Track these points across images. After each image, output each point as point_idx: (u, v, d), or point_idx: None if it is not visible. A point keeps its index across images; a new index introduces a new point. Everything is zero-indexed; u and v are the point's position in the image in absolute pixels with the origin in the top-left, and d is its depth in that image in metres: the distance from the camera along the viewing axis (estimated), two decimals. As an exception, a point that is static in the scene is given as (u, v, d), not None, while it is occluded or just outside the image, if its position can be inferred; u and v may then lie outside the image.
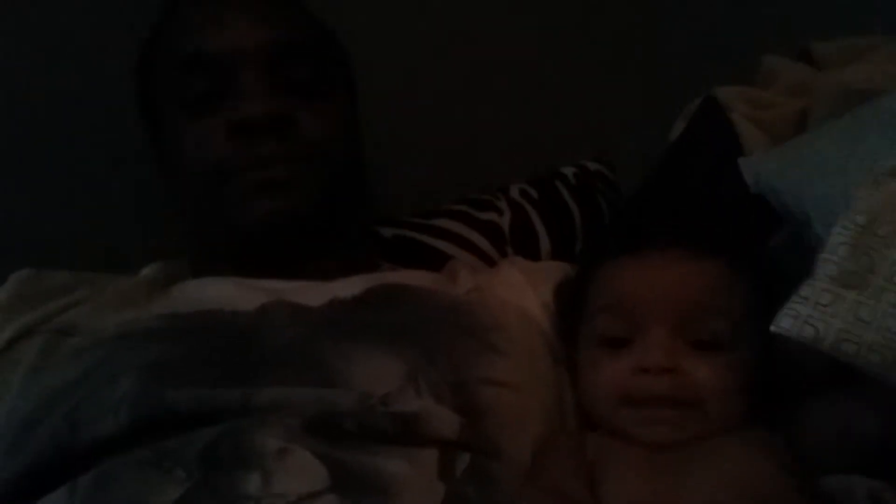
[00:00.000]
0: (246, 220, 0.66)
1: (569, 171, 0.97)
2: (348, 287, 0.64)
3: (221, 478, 0.45)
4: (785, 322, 0.50)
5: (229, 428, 0.47)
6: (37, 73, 0.82)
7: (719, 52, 0.99)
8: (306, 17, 0.73)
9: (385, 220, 0.92)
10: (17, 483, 0.50)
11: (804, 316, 0.50)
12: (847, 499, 0.50)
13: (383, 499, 0.46)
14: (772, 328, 0.51)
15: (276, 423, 0.48)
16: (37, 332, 0.61)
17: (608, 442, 0.57)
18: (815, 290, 0.50)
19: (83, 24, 0.83)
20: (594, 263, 0.63)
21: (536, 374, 0.62)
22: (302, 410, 0.49)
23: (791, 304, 0.51)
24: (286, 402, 0.49)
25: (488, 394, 0.56)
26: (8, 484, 0.50)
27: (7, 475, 0.51)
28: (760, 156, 0.66)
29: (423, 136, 0.97)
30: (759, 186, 0.64)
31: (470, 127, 1.00)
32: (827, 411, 0.58)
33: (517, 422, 0.57)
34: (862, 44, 0.75)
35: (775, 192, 0.62)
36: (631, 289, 0.58)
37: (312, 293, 0.64)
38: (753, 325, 0.57)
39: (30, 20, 0.82)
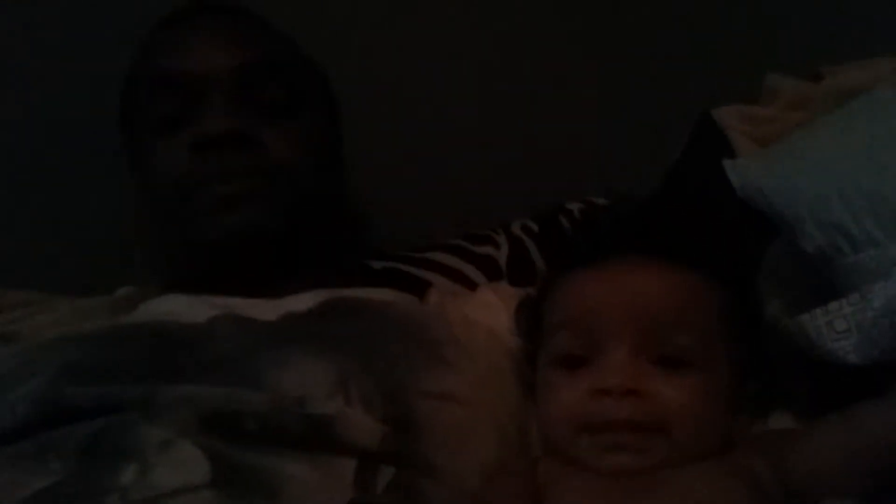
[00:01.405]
0: (211, 235, 0.66)
1: (574, 206, 0.93)
2: (303, 301, 0.61)
3: (96, 469, 0.42)
4: None
5: (116, 420, 0.44)
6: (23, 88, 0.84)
7: (731, 82, 0.94)
8: (276, 37, 0.73)
9: (378, 254, 0.89)
10: None
11: None
12: None
13: (270, 498, 0.41)
14: None
15: (169, 418, 0.44)
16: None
17: (561, 467, 0.50)
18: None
19: (60, 55, 0.85)
20: (551, 277, 0.57)
21: (497, 394, 0.57)
22: (204, 407, 0.45)
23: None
24: (190, 398, 0.45)
25: (429, 407, 0.51)
26: None
27: None
28: (747, 157, 0.61)
29: (425, 173, 0.95)
30: (745, 189, 0.58)
31: (474, 164, 0.97)
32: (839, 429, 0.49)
33: (461, 440, 0.51)
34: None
35: (763, 193, 0.57)
36: (587, 302, 0.52)
37: (267, 308, 0.61)
38: (728, 341, 0.51)
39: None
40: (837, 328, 0.49)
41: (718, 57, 0.95)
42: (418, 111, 0.95)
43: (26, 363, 0.52)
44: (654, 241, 0.53)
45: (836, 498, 0.47)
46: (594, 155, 0.98)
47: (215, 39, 0.68)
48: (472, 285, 0.83)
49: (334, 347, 0.54)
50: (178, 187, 0.66)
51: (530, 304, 0.60)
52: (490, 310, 0.66)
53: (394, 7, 0.94)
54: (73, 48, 0.84)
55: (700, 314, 0.51)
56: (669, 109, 0.96)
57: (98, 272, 0.81)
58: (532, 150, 0.98)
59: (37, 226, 0.85)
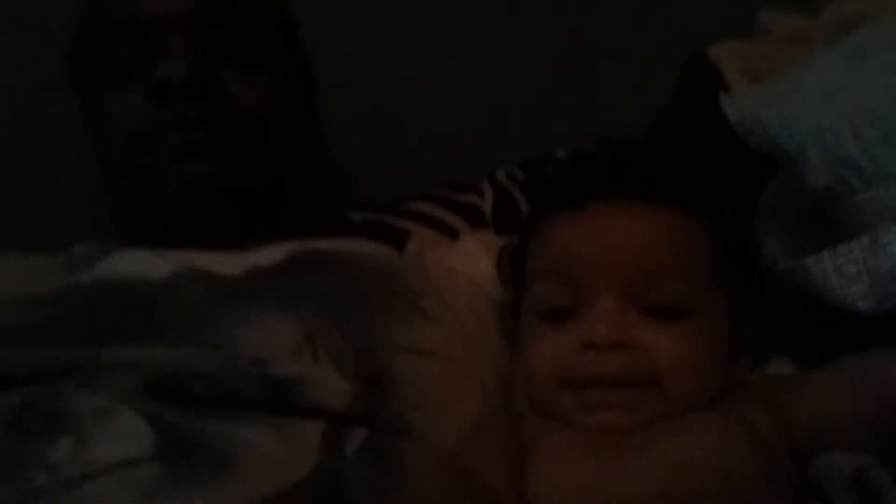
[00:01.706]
0: (170, 186, 0.62)
1: (562, 153, 0.89)
2: (270, 254, 0.57)
3: (24, 443, 0.38)
4: None
5: (50, 388, 0.40)
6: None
7: (722, 20, 0.89)
8: None
9: (358, 205, 0.85)
10: None
11: None
12: (830, 480, 0.38)
13: (220, 469, 0.37)
14: None
15: (110, 384, 0.40)
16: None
17: (545, 423, 0.47)
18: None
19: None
20: (533, 222, 0.53)
21: (480, 348, 0.53)
22: (150, 370, 0.41)
23: None
24: (136, 362, 0.41)
25: (404, 362, 0.47)
26: None
27: None
28: (746, 89, 0.56)
29: (407, 121, 0.92)
30: (744, 123, 0.54)
31: (458, 110, 0.94)
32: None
33: (440, 397, 0.47)
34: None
35: (764, 126, 0.52)
36: (570, 249, 0.49)
37: (232, 262, 0.57)
38: (724, 285, 0.47)
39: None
40: (846, 273, 0.45)
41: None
42: (401, 58, 0.92)
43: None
44: (640, 180, 0.49)
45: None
46: (583, 100, 0.95)
47: None
48: (455, 235, 0.79)
49: (302, 302, 0.50)
50: (134, 138, 0.62)
51: (513, 251, 0.56)
52: (472, 259, 0.62)
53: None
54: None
55: (693, 257, 0.47)
56: (660, 51, 0.92)
57: (67, 228, 0.76)
58: (518, 96, 0.95)
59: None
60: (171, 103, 0.61)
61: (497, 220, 0.81)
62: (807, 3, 0.72)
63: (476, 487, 0.42)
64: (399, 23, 0.93)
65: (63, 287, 0.54)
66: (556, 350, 0.47)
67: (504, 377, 0.53)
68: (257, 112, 0.63)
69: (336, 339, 0.47)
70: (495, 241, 0.66)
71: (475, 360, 0.52)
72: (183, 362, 0.42)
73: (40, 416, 0.39)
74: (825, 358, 0.49)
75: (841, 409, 0.44)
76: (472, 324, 0.54)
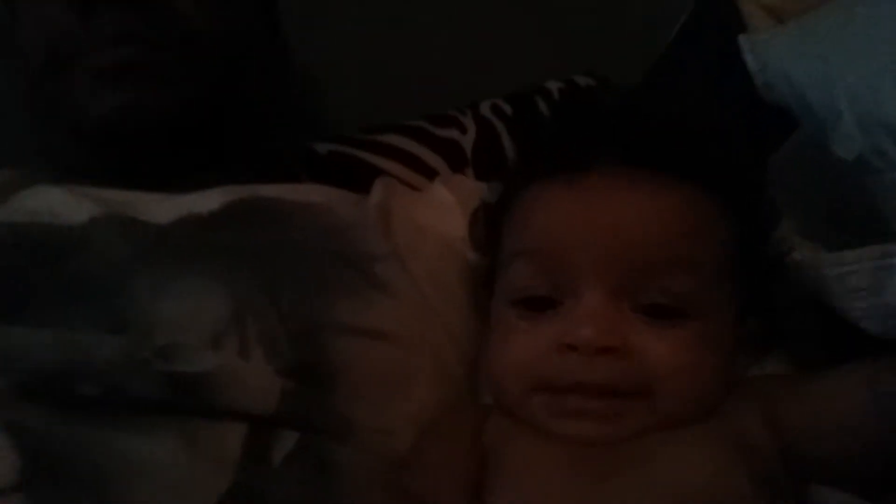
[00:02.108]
0: (94, 113, 0.53)
1: (553, 86, 0.83)
2: (208, 200, 0.49)
3: None
4: None
5: None
6: None
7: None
8: None
9: (325, 137, 0.78)
10: None
11: None
12: None
13: (100, 496, 0.30)
14: None
15: None
16: None
17: (512, 425, 0.40)
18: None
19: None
20: (515, 186, 0.45)
21: (442, 325, 0.47)
22: (30, 365, 0.34)
23: None
24: (19, 349, 0.34)
25: (349, 346, 0.41)
26: None
27: None
28: (770, 32, 0.48)
29: (384, 43, 0.84)
30: (766, 74, 0.45)
31: (441, 34, 0.85)
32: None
33: (390, 387, 0.41)
34: None
35: (790, 80, 0.44)
36: (559, 228, 0.41)
37: (164, 207, 0.49)
38: (733, 280, 0.40)
39: None
40: (850, 285, 0.38)
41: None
42: None
43: None
44: (652, 146, 0.41)
45: (835, 472, 0.38)
46: (579, 29, 0.87)
47: None
48: (431, 174, 0.74)
49: (235, 265, 0.43)
50: (51, 54, 0.54)
51: (489, 211, 0.48)
52: (444, 212, 0.55)
53: None
54: None
55: (703, 248, 0.40)
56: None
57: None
58: (506, 23, 0.86)
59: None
60: (101, 15, 0.52)
61: (478, 160, 0.75)
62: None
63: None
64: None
65: None
66: (530, 347, 0.40)
67: (471, 360, 0.47)
68: (201, 26, 0.54)
69: (271, 318, 0.40)
70: (473, 188, 0.59)
71: (437, 340, 0.46)
72: (72, 352, 0.35)
73: None
74: (832, 355, 0.43)
75: (848, 422, 0.38)
76: (436, 295, 0.48)
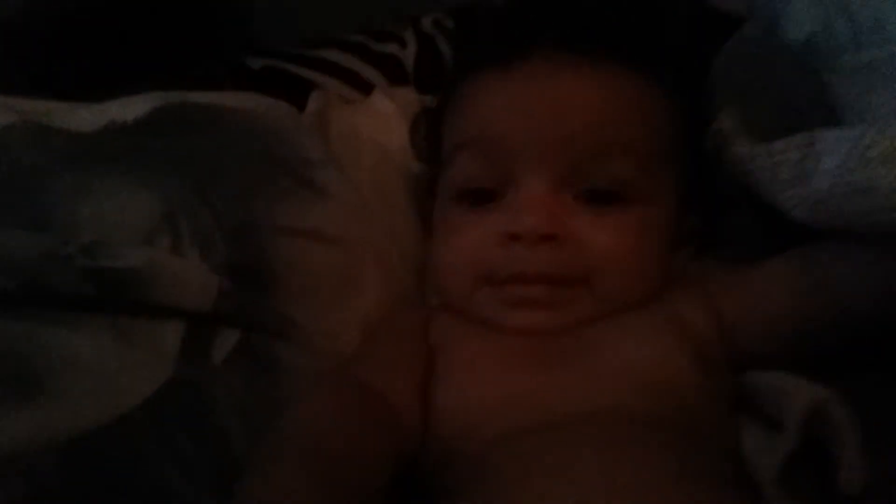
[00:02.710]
0: (6, 7, 0.50)
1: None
2: (133, 107, 0.46)
3: None
4: None
5: None
6: None
7: None
8: None
9: (259, 50, 0.74)
10: None
11: None
12: (776, 405, 0.34)
13: (30, 388, 0.29)
14: None
15: None
16: None
17: (459, 323, 0.40)
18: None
19: None
20: (454, 80, 0.44)
21: (384, 229, 0.46)
22: None
23: None
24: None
25: (289, 248, 0.40)
26: None
27: None
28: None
29: None
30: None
31: None
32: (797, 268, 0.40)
33: (331, 290, 0.40)
34: None
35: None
36: (496, 117, 0.40)
37: (85, 115, 0.46)
38: (674, 166, 0.40)
39: None
40: (781, 175, 0.38)
41: None
42: None
43: None
44: (589, 29, 0.40)
45: (776, 353, 0.38)
46: None
47: None
48: (369, 90, 0.71)
49: (165, 170, 0.40)
50: None
51: (430, 116, 0.47)
52: (385, 122, 0.54)
53: None
54: None
55: (644, 133, 0.40)
56: None
57: None
58: None
59: None
60: None
61: (419, 76, 0.72)
62: None
63: (371, 400, 0.35)
64: None
65: None
66: (474, 240, 0.40)
67: (413, 264, 0.46)
68: None
69: (205, 218, 0.38)
70: (414, 100, 0.57)
71: (378, 243, 0.45)
72: (-5, 249, 0.32)
73: None
74: (772, 247, 0.43)
75: (784, 305, 0.39)
76: (377, 201, 0.46)
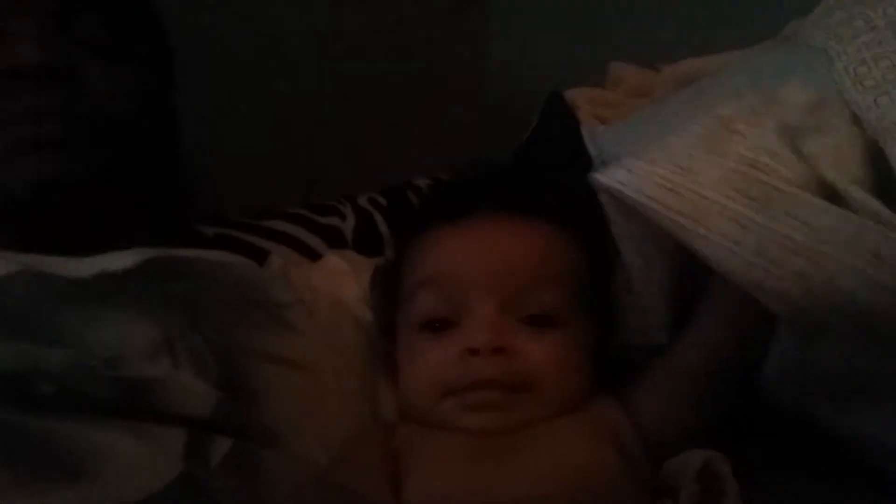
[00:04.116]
0: (10, 181, 0.56)
1: (422, 182, 0.91)
2: (122, 259, 0.52)
3: None
4: None
5: None
6: None
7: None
8: None
9: (211, 219, 0.82)
10: None
11: None
12: (682, 476, 0.42)
13: (72, 473, 0.33)
14: None
15: None
16: None
17: (419, 430, 0.47)
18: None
19: None
20: (409, 236, 0.54)
21: (345, 363, 0.52)
22: None
23: None
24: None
25: (269, 372, 0.46)
26: None
27: None
28: (602, 128, 0.61)
29: (269, 138, 0.93)
30: (602, 156, 0.58)
31: (320, 137, 0.96)
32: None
33: (306, 408, 0.46)
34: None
35: (617, 159, 0.56)
36: (453, 260, 0.50)
37: (78, 266, 0.52)
38: (589, 297, 0.50)
39: None
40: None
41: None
42: (269, 76, 0.92)
43: None
44: (517, 196, 0.52)
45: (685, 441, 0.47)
46: (440, 135, 1.00)
47: None
48: (316, 257, 0.78)
49: (158, 305, 0.46)
50: None
51: (387, 267, 0.56)
52: (337, 276, 0.61)
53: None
54: None
55: (563, 271, 0.50)
56: (515, 92, 0.98)
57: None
58: (380, 128, 0.99)
59: None
60: (19, 91, 0.56)
61: (358, 243, 0.80)
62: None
63: (352, 498, 0.40)
64: (265, 33, 0.93)
65: None
66: (438, 359, 0.48)
67: (369, 393, 0.53)
68: (113, 104, 0.59)
69: (198, 344, 0.44)
70: (360, 259, 0.66)
71: (340, 373, 0.51)
72: (23, 358, 0.37)
73: None
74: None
75: (662, 397, 0.48)
76: (332, 338, 0.53)
